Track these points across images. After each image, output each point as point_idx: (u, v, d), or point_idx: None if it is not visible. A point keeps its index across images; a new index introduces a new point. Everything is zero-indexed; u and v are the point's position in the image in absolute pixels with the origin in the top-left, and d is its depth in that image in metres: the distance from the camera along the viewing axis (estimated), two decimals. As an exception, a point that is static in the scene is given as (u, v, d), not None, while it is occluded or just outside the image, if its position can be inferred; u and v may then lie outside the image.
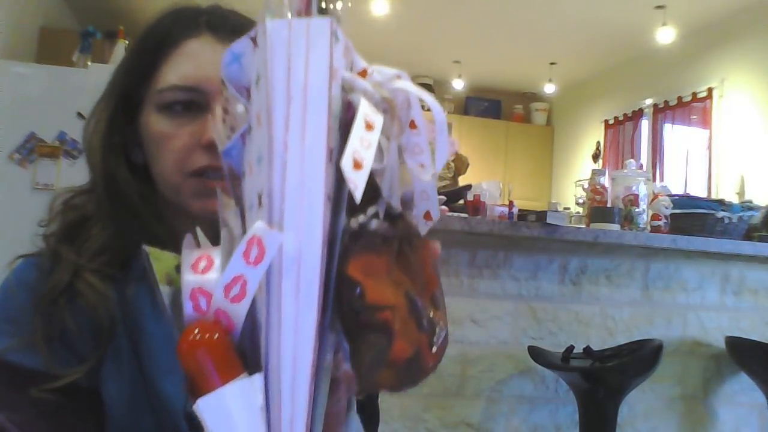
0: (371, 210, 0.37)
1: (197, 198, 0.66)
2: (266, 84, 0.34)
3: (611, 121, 5.85)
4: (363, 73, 0.38)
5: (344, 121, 0.36)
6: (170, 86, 0.66)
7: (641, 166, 3.86)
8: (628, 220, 2.30)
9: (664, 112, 5.17)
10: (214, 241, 0.40)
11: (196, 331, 0.35)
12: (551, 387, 2.18)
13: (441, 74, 6.33)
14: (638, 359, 1.95)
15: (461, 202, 2.34)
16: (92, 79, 3.01)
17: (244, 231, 0.35)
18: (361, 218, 0.37)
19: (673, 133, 5.10)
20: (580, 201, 2.89)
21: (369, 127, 0.35)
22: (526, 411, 2.15)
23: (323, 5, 0.39)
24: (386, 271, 0.35)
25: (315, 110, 0.34)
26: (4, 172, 3.01)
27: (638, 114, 5.48)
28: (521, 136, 6.80)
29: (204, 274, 0.38)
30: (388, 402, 1.92)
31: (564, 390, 2.15)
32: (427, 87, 6.56)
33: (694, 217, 2.32)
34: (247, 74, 0.38)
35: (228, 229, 0.39)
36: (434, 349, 0.35)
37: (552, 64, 5.90)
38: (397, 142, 0.38)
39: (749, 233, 2.37)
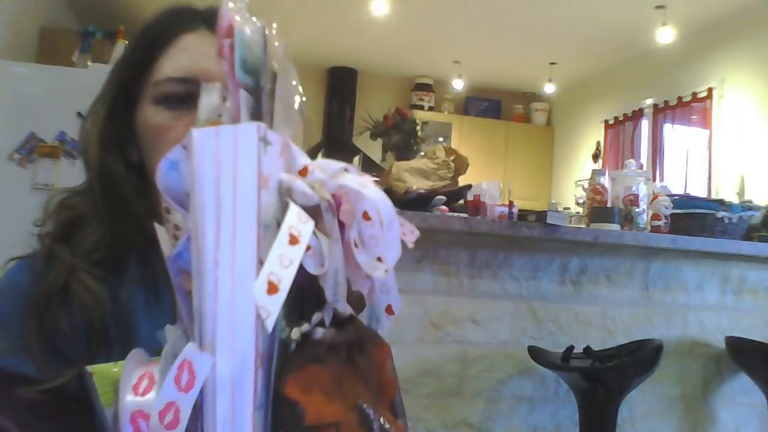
0: (316, 317, 0.35)
1: None
2: (194, 199, 0.33)
3: (611, 121, 5.85)
4: (303, 171, 0.37)
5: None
6: (167, 78, 0.66)
7: (641, 166, 3.86)
8: (628, 220, 2.30)
9: (664, 112, 5.17)
10: None
11: None
12: (551, 387, 2.17)
13: (441, 74, 6.33)
14: (638, 359, 1.95)
15: (461, 202, 2.34)
16: (92, 79, 2.99)
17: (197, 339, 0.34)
18: (305, 327, 0.35)
19: (673, 133, 5.10)
20: (580, 201, 2.89)
21: (293, 240, 0.33)
22: (526, 411, 2.15)
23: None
24: (332, 382, 0.33)
25: (244, 224, 0.33)
26: (4, 172, 3.01)
27: (638, 114, 5.48)
28: (521, 136, 6.80)
29: (145, 396, 0.36)
30: (388, 402, 1.92)
31: (564, 390, 2.15)
32: (427, 87, 6.56)
33: (694, 217, 2.32)
34: (185, 181, 0.36)
35: (180, 333, 0.37)
36: None
37: (552, 64, 5.90)
38: (348, 238, 0.37)
39: (749, 233, 2.37)
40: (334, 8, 4.96)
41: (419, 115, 5.00)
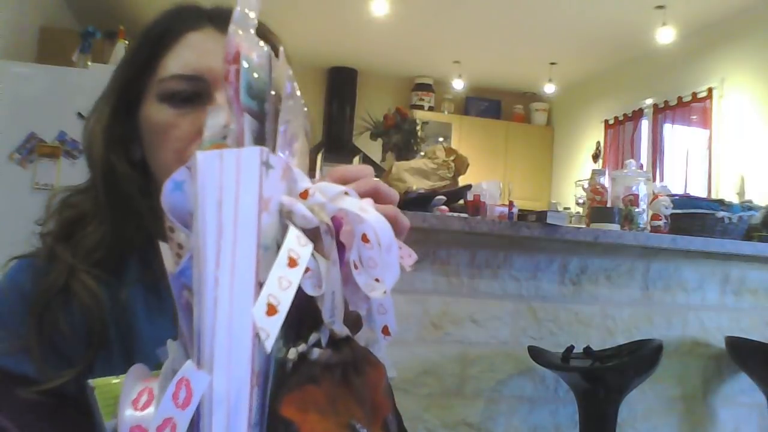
0: (313, 338, 0.36)
1: None
2: (197, 220, 0.34)
3: (611, 121, 5.85)
4: (304, 194, 0.38)
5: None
6: (172, 75, 0.66)
7: (641, 166, 3.86)
8: (628, 220, 2.30)
9: (664, 112, 5.17)
10: None
11: None
12: (551, 387, 2.17)
13: (441, 74, 6.33)
14: (638, 359, 1.95)
15: (461, 202, 2.34)
16: (92, 79, 3.01)
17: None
18: (302, 347, 0.36)
19: (673, 133, 5.10)
20: (580, 201, 2.89)
21: (292, 263, 0.34)
22: (526, 411, 2.15)
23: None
24: (326, 402, 0.34)
25: (244, 246, 0.34)
26: (4, 172, 3.01)
27: (638, 114, 5.48)
28: (521, 136, 6.80)
29: (144, 411, 0.37)
30: (388, 402, 1.92)
31: (564, 390, 2.15)
32: (427, 87, 6.57)
33: (694, 217, 2.32)
34: (189, 201, 0.37)
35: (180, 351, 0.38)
36: None
37: (552, 64, 5.90)
38: (348, 260, 0.37)
39: (749, 233, 2.37)
40: (334, 8, 4.96)
41: (419, 115, 5.01)
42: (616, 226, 2.21)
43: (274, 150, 0.38)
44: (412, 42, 5.63)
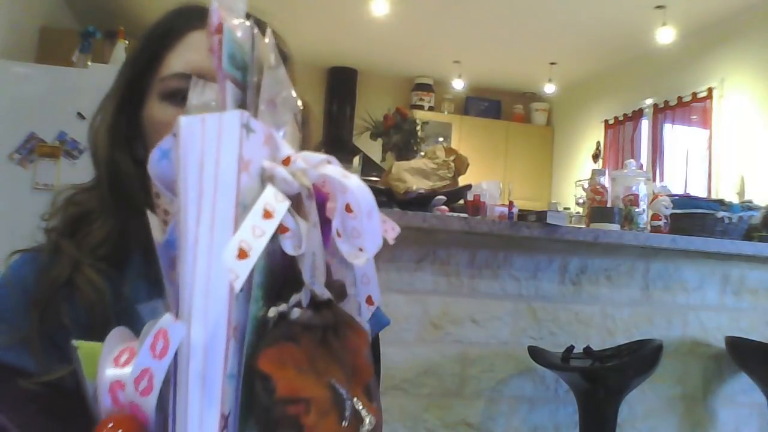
0: (294, 298, 0.36)
1: None
2: (179, 181, 0.35)
3: (611, 121, 5.85)
4: (287, 161, 0.38)
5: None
6: (173, 74, 0.67)
7: (641, 166, 3.86)
8: (628, 220, 2.30)
9: (664, 112, 5.17)
10: None
11: (110, 425, 0.36)
12: (551, 387, 2.17)
13: (441, 74, 6.33)
14: (638, 359, 1.95)
15: (461, 202, 2.34)
16: (92, 79, 3.01)
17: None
18: (282, 307, 0.36)
19: (673, 133, 5.10)
20: (580, 201, 2.89)
21: (267, 215, 0.34)
22: (526, 411, 2.15)
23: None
24: (306, 361, 0.34)
25: (223, 203, 0.34)
26: (4, 172, 3.01)
27: (638, 114, 5.48)
28: (521, 136, 6.80)
29: (124, 368, 0.37)
30: (387, 402, 1.92)
31: (564, 390, 2.15)
32: (427, 87, 6.56)
33: (694, 217, 2.32)
34: (176, 169, 0.38)
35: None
36: None
37: (552, 64, 5.90)
38: (332, 228, 0.38)
39: (749, 233, 2.37)
40: (334, 8, 4.96)
41: (419, 115, 5.01)
42: (616, 226, 2.21)
43: (255, 116, 0.38)
44: (412, 42, 5.62)
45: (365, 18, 4.84)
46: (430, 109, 6.53)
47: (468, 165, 2.46)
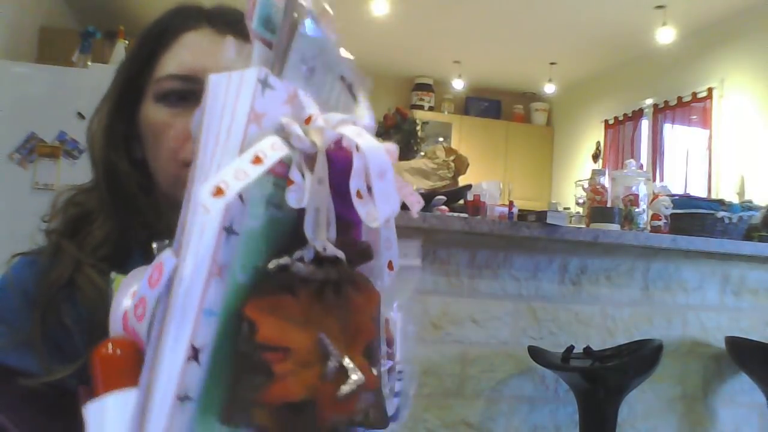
0: (297, 254, 0.37)
1: None
2: (199, 131, 0.37)
3: (611, 121, 5.85)
4: (307, 120, 0.39)
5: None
6: (167, 75, 0.67)
7: (641, 166, 3.86)
8: (628, 220, 2.30)
9: (664, 112, 5.17)
10: None
11: (109, 345, 0.39)
12: (551, 387, 2.17)
13: (441, 74, 6.33)
14: (638, 359, 1.95)
15: (461, 202, 2.34)
16: (92, 79, 3.01)
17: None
18: (284, 260, 0.36)
19: (673, 133, 5.10)
20: (580, 201, 2.89)
21: (257, 161, 0.35)
22: (526, 411, 2.15)
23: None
24: (299, 313, 0.34)
25: (228, 148, 0.36)
26: (4, 172, 3.01)
27: (638, 114, 5.48)
28: (521, 136, 6.80)
29: (133, 298, 0.40)
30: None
31: (564, 390, 2.15)
32: (427, 87, 6.56)
33: (694, 217, 2.32)
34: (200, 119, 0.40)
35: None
36: (340, 400, 0.33)
37: (552, 64, 5.90)
38: (351, 189, 0.38)
39: (749, 233, 2.37)
40: (334, 8, 4.94)
41: (419, 115, 5.00)
42: (616, 226, 2.21)
43: (279, 75, 0.39)
44: (412, 42, 5.62)
45: (365, 18, 4.84)
46: (430, 109, 6.53)
47: (468, 165, 2.47)
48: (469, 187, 2.36)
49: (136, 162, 0.70)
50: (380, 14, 4.66)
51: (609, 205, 2.36)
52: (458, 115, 6.74)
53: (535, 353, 2.03)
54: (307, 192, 0.37)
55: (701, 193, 4.45)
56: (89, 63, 3.38)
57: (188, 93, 0.66)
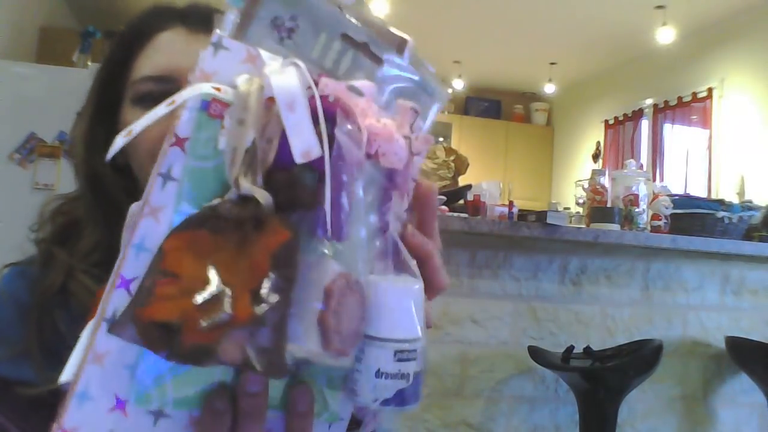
0: (228, 194, 0.38)
1: None
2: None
3: (611, 121, 5.85)
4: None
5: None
6: (142, 77, 0.66)
7: (641, 166, 3.86)
8: (628, 220, 2.30)
9: (664, 112, 5.17)
10: None
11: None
12: (551, 387, 2.18)
13: (441, 74, 6.28)
14: (638, 359, 1.95)
15: (461, 202, 2.34)
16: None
17: None
18: (216, 201, 0.37)
19: (673, 133, 5.11)
20: (580, 201, 2.89)
21: (171, 103, 0.39)
22: (526, 411, 2.15)
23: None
24: (209, 247, 0.36)
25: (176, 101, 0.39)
26: (4, 172, 3.01)
27: (638, 114, 5.48)
28: (521, 136, 6.80)
29: None
30: (388, 402, 1.92)
31: (564, 390, 2.15)
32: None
33: (694, 217, 2.32)
34: None
35: None
36: (202, 328, 0.33)
37: (552, 64, 5.90)
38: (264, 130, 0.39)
39: (749, 233, 2.37)
40: (334, 8, 4.96)
41: (419, 115, 4.99)
42: (616, 226, 2.21)
43: (241, 37, 0.40)
44: (413, 42, 5.62)
45: (365, 18, 4.84)
46: (430, 109, 6.53)
47: (468, 165, 2.47)
48: (469, 187, 2.36)
49: (121, 167, 0.69)
50: (380, 14, 4.66)
51: (609, 205, 2.36)
52: (458, 115, 6.74)
53: (535, 353, 2.03)
54: (223, 136, 0.38)
55: (701, 193, 4.45)
56: (89, 63, 3.38)
57: (164, 94, 0.65)
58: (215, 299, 0.34)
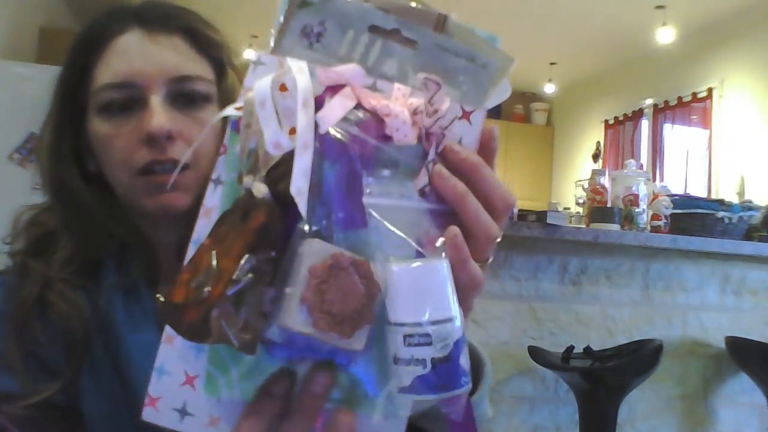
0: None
1: (148, 195, 0.63)
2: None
3: (611, 121, 5.85)
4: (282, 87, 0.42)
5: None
6: (103, 86, 0.64)
7: (641, 166, 3.86)
8: (628, 220, 2.30)
9: (664, 112, 5.17)
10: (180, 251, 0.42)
11: None
12: (551, 387, 2.18)
13: (441, 74, 6.33)
14: (638, 359, 1.95)
15: (461, 202, 2.34)
16: (92, 79, 3.00)
17: None
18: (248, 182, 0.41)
19: (673, 133, 5.10)
20: (580, 201, 2.89)
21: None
22: (526, 411, 2.15)
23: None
24: (222, 236, 0.39)
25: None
26: (4, 172, 3.01)
27: (638, 114, 5.48)
28: (521, 136, 6.80)
29: None
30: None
31: (564, 390, 2.15)
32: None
33: (694, 217, 2.32)
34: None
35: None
36: (194, 307, 0.36)
37: (552, 64, 5.90)
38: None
39: (749, 233, 2.37)
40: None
41: (419, 115, 4.99)
42: (616, 226, 2.21)
43: (276, 51, 0.42)
44: (412, 42, 5.63)
45: (365, 18, 4.84)
46: (430, 109, 6.53)
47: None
48: (469, 187, 2.36)
49: (92, 175, 0.68)
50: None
51: (609, 205, 2.36)
52: (458, 115, 6.73)
53: (535, 353, 2.03)
54: (240, 138, 0.41)
55: (701, 193, 4.45)
56: (89, 63, 3.38)
57: (128, 100, 0.64)
58: (205, 282, 0.37)
